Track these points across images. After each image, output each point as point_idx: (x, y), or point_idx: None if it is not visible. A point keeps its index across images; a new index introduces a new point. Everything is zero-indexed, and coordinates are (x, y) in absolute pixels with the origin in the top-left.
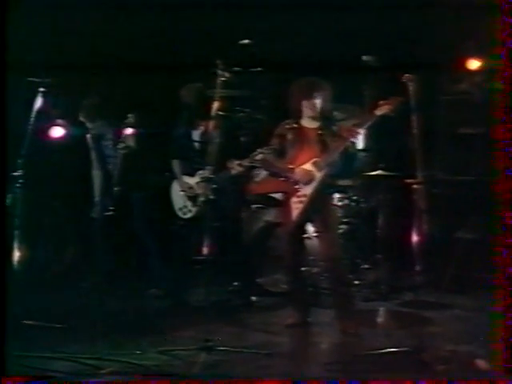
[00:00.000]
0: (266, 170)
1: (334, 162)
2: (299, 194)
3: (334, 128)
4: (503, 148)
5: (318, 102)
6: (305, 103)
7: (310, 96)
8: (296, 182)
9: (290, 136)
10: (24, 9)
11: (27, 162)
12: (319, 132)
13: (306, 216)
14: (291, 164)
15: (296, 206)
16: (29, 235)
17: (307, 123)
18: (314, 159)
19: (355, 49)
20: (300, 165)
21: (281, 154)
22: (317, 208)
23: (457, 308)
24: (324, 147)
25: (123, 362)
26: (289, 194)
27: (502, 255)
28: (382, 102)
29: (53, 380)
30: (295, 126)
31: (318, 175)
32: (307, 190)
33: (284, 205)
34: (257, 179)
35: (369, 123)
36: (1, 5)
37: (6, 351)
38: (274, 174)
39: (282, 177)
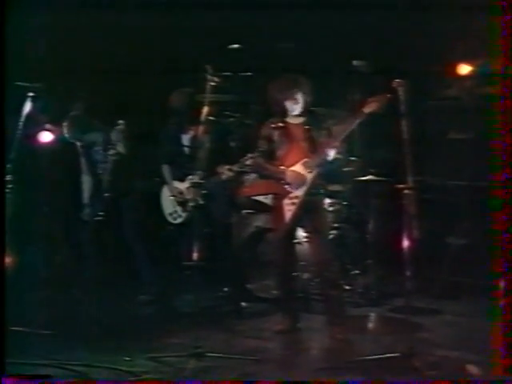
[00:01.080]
0: (257, 172)
1: (324, 161)
2: (291, 195)
3: (321, 123)
4: (499, 153)
5: (299, 97)
6: (287, 101)
7: (291, 93)
8: (287, 184)
9: (276, 136)
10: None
11: (16, 167)
12: (306, 128)
13: (299, 218)
14: (281, 165)
15: (288, 208)
16: (18, 240)
17: (292, 120)
18: (304, 160)
19: (345, 53)
20: (290, 166)
21: (270, 155)
22: (309, 210)
23: (447, 314)
24: (313, 145)
25: (112, 368)
26: (280, 196)
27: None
28: (369, 100)
29: (53, 380)
30: (281, 124)
31: (309, 176)
32: (299, 192)
33: (276, 207)
34: (248, 182)
35: (357, 121)
36: None
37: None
38: (264, 176)
39: (273, 179)
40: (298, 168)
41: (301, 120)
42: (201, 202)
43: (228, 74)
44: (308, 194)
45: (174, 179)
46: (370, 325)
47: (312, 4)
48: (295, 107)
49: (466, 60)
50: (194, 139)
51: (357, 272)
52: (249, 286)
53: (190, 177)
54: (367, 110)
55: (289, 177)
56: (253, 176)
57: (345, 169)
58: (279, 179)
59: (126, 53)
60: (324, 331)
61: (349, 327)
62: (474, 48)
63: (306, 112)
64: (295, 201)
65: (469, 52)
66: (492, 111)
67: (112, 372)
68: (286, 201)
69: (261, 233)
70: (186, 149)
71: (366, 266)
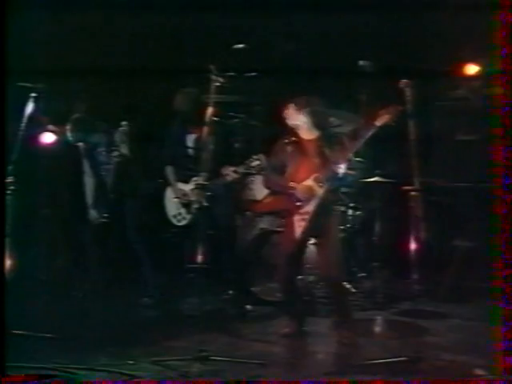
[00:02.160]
0: (268, 188)
1: (335, 176)
2: (302, 211)
3: (334, 137)
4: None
5: (312, 116)
6: (300, 120)
7: (303, 113)
8: (298, 200)
9: (289, 151)
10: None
11: (18, 168)
12: (319, 143)
13: (309, 233)
14: (292, 180)
15: (299, 224)
16: (20, 243)
17: (306, 135)
18: (315, 175)
19: (351, 54)
20: (301, 181)
21: (281, 170)
22: (319, 224)
23: (455, 317)
24: (324, 160)
25: (115, 372)
26: (291, 211)
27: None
28: (381, 112)
29: (53, 380)
30: (294, 139)
31: (320, 191)
32: (309, 207)
33: (287, 222)
34: (260, 197)
35: (369, 134)
36: None
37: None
38: (276, 192)
39: (284, 194)
40: (309, 182)
41: (315, 135)
42: (205, 204)
43: (233, 74)
44: (319, 206)
45: (178, 181)
46: (377, 328)
47: (317, 4)
48: (308, 125)
49: (475, 60)
50: (198, 140)
51: (363, 275)
52: (254, 288)
53: (195, 178)
54: (379, 122)
55: (299, 191)
56: (258, 178)
57: (351, 171)
58: (289, 194)
59: (130, 53)
60: (330, 335)
61: (355, 331)
62: (482, 47)
63: (319, 127)
64: (305, 217)
65: (478, 52)
66: (494, 113)
67: (116, 376)
68: (297, 216)
69: (266, 235)
70: (190, 150)
71: (372, 269)
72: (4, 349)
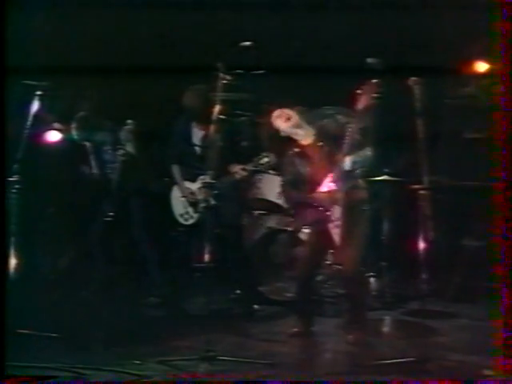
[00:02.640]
0: (294, 203)
1: (347, 174)
2: (333, 218)
3: (331, 136)
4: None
5: (304, 125)
6: (292, 127)
7: (291, 120)
8: (325, 208)
9: (298, 161)
10: (21, 11)
11: (23, 167)
12: (320, 144)
13: (344, 237)
14: (311, 190)
15: (335, 232)
16: (25, 242)
17: (305, 140)
18: (329, 178)
19: (360, 51)
20: (318, 189)
21: (297, 182)
22: (352, 227)
23: (463, 317)
24: (332, 161)
25: (121, 372)
26: (323, 220)
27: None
28: (356, 96)
29: (53, 380)
30: (297, 150)
31: (340, 195)
32: (337, 213)
33: (322, 233)
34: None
35: (359, 123)
36: None
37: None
38: (302, 206)
39: (310, 207)
40: (327, 187)
41: (312, 139)
42: (213, 203)
43: (240, 72)
44: (346, 209)
45: (185, 179)
46: (385, 328)
47: (325, 2)
48: (302, 132)
49: (484, 57)
50: (205, 138)
51: (371, 274)
52: (261, 288)
53: (202, 177)
54: (360, 106)
55: (321, 199)
56: (266, 176)
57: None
58: (314, 205)
59: (136, 50)
60: (338, 335)
61: (363, 331)
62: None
63: (314, 132)
64: (338, 223)
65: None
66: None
67: (121, 376)
68: (331, 224)
69: (273, 234)
70: (197, 148)
71: (380, 268)
72: (4, 349)
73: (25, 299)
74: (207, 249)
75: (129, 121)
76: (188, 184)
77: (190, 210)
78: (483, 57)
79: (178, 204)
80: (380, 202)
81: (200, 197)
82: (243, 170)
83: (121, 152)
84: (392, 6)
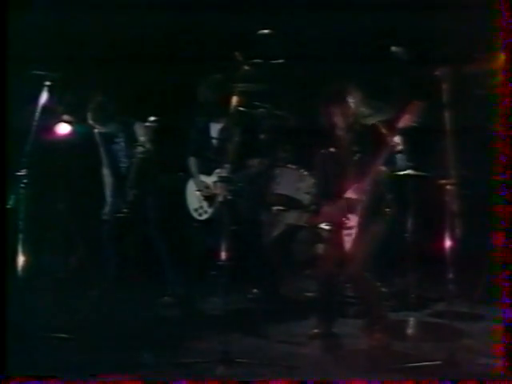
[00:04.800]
0: (318, 202)
1: (374, 186)
2: (348, 225)
3: (367, 138)
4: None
5: (351, 109)
6: (337, 115)
7: (341, 105)
8: (343, 213)
9: (328, 161)
10: None
11: (32, 160)
12: (356, 147)
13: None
14: (334, 193)
15: (347, 239)
16: (33, 239)
17: (341, 136)
18: (355, 185)
19: (384, 39)
20: (342, 193)
21: (325, 183)
22: (366, 236)
23: (491, 320)
24: (362, 167)
25: (132, 374)
26: (338, 224)
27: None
28: (401, 114)
29: (53, 380)
30: (331, 149)
31: (360, 204)
32: (353, 222)
33: (334, 237)
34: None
35: (395, 141)
36: None
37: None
38: (325, 205)
39: (330, 207)
40: (351, 194)
41: (349, 136)
42: (229, 198)
43: (259, 61)
44: (362, 219)
45: (201, 173)
46: (409, 330)
47: None
48: (345, 121)
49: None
50: (222, 130)
51: (394, 274)
52: (280, 287)
53: (218, 170)
54: (402, 124)
55: (341, 204)
56: (284, 171)
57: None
58: (333, 208)
59: (151, 39)
60: (361, 337)
61: (386, 332)
62: None
63: (354, 126)
64: (351, 231)
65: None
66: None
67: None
68: (345, 230)
69: (293, 231)
70: (214, 141)
71: (405, 268)
72: (4, 349)
73: (33, 298)
74: (223, 246)
75: (151, 118)
76: (203, 177)
77: (205, 204)
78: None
79: (193, 198)
80: (404, 198)
81: (215, 191)
82: (260, 163)
83: (139, 149)
84: None
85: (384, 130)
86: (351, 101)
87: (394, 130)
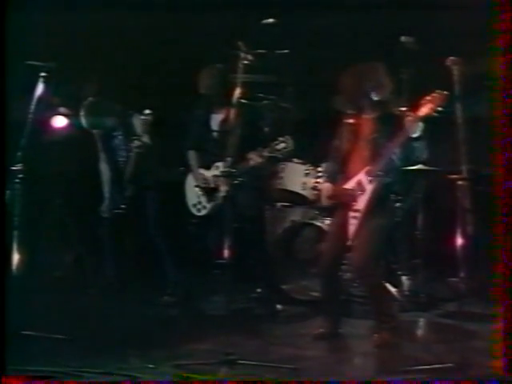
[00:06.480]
0: (329, 177)
1: (386, 169)
2: (354, 207)
3: (392, 118)
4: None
5: (381, 86)
6: (372, 91)
7: (375, 81)
8: (351, 195)
9: (349, 134)
10: None
11: (27, 155)
12: (377, 125)
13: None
14: (345, 171)
15: (352, 222)
16: (29, 236)
17: (367, 113)
18: (367, 168)
19: (393, 28)
20: (354, 174)
21: (339, 157)
22: (370, 222)
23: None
24: (378, 148)
25: (134, 376)
26: (345, 206)
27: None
28: (423, 101)
29: (53, 380)
30: (354, 121)
31: (370, 187)
32: (361, 204)
33: (339, 217)
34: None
35: (414, 128)
36: None
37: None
38: (334, 182)
39: (338, 186)
40: (361, 177)
41: (374, 114)
42: (228, 192)
43: (262, 51)
44: (370, 203)
45: (200, 166)
46: (419, 331)
47: None
48: (376, 99)
49: None
50: (223, 123)
51: (404, 273)
52: (284, 286)
53: (217, 164)
54: (422, 113)
55: (350, 185)
56: (288, 165)
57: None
58: (341, 187)
59: (148, 28)
60: (368, 337)
61: (395, 333)
62: None
63: (380, 105)
64: (357, 214)
65: None
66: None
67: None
68: (351, 212)
69: (297, 228)
70: (215, 133)
71: (415, 266)
72: (4, 349)
73: (29, 297)
74: (225, 243)
75: (146, 111)
76: (202, 171)
77: (203, 199)
78: None
79: (192, 193)
80: (414, 193)
81: (214, 185)
82: (259, 156)
83: (136, 144)
84: None
85: (404, 116)
86: (382, 80)
87: (414, 118)
